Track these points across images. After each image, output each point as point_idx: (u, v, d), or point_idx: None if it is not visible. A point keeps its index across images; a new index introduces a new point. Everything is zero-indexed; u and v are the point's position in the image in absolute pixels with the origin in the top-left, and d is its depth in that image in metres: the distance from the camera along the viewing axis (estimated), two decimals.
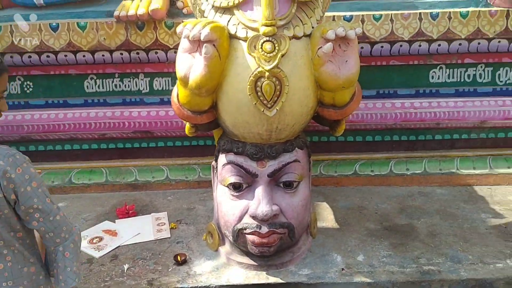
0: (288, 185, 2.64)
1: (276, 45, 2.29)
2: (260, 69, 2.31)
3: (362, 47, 3.69)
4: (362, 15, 3.63)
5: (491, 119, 3.83)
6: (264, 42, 2.29)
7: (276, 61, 2.29)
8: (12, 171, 1.56)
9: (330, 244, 3.00)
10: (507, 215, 3.32)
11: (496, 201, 3.54)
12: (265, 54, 2.29)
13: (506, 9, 3.61)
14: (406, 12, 3.65)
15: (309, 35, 2.43)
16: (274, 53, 2.29)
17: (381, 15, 3.64)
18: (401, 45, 3.71)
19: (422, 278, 2.65)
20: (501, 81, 3.87)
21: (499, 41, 3.69)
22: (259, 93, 2.34)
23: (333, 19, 3.60)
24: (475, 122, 3.85)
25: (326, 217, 3.38)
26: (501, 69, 3.85)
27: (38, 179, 1.65)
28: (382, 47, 3.71)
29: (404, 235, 3.10)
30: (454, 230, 3.15)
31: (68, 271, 1.68)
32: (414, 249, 2.94)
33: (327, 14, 3.58)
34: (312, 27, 2.44)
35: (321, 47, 2.34)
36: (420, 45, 3.72)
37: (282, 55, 2.31)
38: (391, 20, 3.64)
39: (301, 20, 2.41)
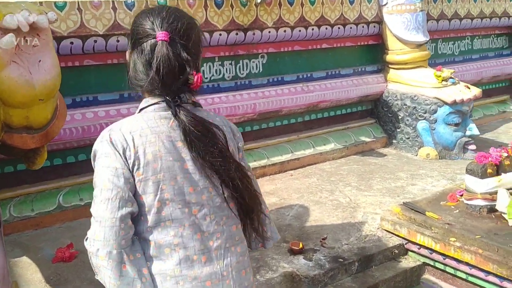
0: None
1: None
2: None
3: None
4: (41, 2, 2.78)
5: None
6: None
7: None
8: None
9: None
10: None
11: None
12: None
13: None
14: (96, 0, 2.98)
15: None
16: None
17: (65, 3, 2.87)
18: (95, 41, 3.03)
19: None
20: None
21: None
22: None
23: None
24: None
25: (31, 278, 2.46)
26: None
27: None
28: (72, 43, 2.95)
29: None
30: None
31: (272, 226, 1.59)
32: None
33: None
34: None
35: None
36: (118, 41, 3.12)
37: None
38: (79, 9, 2.92)
39: None
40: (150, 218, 1.30)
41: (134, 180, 1.29)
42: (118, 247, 1.26)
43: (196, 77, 1.32)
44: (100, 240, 1.26)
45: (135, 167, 1.29)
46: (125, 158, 1.29)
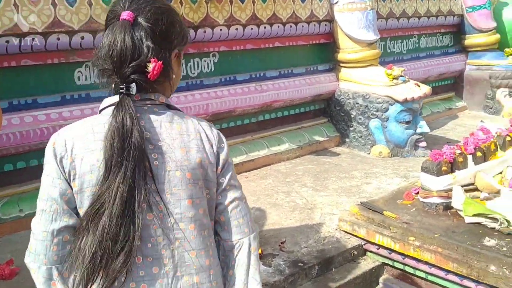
0: None
1: None
2: None
3: None
4: None
5: None
6: None
7: None
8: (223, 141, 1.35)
9: None
10: None
11: None
12: None
13: None
14: None
15: None
16: None
17: None
18: (33, 39, 2.81)
19: None
20: None
21: None
22: None
23: None
24: None
25: None
26: None
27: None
28: (7, 42, 2.72)
29: None
30: None
31: (253, 271, 1.30)
32: None
33: None
34: None
35: None
36: (58, 39, 2.91)
37: None
38: (15, 5, 2.69)
39: None
40: None
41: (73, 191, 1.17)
42: (48, 262, 1.14)
43: (154, 65, 1.17)
44: (32, 252, 1.15)
45: (71, 178, 1.16)
46: (62, 168, 1.17)
